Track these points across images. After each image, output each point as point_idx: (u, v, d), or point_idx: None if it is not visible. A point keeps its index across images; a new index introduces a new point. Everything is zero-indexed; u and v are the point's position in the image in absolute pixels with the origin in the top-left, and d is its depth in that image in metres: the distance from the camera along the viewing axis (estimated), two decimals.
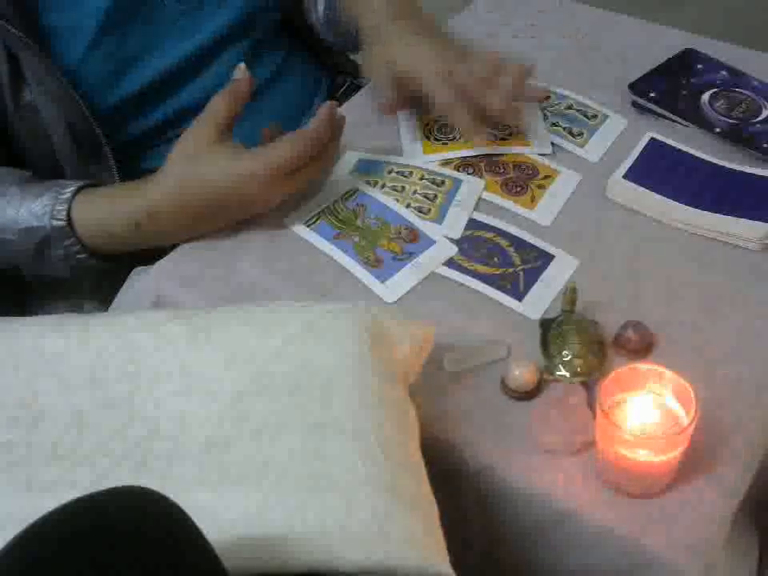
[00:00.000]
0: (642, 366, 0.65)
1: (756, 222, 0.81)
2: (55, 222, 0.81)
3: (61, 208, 0.81)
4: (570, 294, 0.73)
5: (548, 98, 0.98)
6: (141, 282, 0.83)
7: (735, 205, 0.83)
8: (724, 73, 1.00)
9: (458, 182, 0.89)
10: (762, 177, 0.87)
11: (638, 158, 0.89)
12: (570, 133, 0.95)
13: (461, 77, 0.87)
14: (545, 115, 0.96)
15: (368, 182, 0.89)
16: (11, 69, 0.83)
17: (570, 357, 0.71)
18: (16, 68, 0.83)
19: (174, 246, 0.84)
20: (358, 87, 1.06)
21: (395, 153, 0.93)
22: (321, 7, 1.07)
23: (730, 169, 0.88)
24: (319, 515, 0.55)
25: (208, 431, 0.60)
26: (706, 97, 0.96)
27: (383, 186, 0.89)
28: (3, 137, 0.88)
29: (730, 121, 0.93)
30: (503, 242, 0.83)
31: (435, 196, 0.88)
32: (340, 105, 0.99)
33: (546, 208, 0.87)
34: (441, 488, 0.61)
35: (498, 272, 0.80)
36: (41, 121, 0.86)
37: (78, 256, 0.83)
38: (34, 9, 0.83)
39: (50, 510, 0.46)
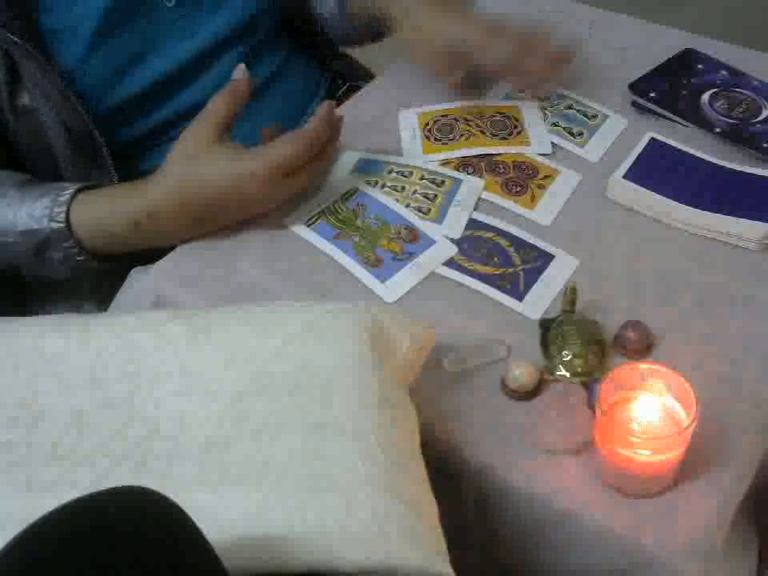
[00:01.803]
0: (642, 366, 0.65)
1: (756, 221, 0.81)
2: (54, 225, 0.81)
3: (59, 210, 0.81)
4: (570, 294, 0.73)
5: (548, 97, 0.99)
6: (140, 282, 0.83)
7: (735, 205, 0.83)
8: (724, 73, 1.00)
9: (457, 182, 0.89)
10: (762, 177, 0.86)
11: (637, 158, 0.89)
12: (570, 133, 0.95)
13: (502, 40, 0.91)
14: (545, 115, 0.96)
15: (368, 182, 0.89)
16: (9, 73, 0.83)
17: (570, 357, 0.71)
18: (14, 72, 0.83)
19: (173, 246, 0.84)
20: (358, 88, 1.06)
21: (395, 153, 0.93)
22: (332, 0, 1.07)
23: (730, 169, 0.88)
24: (319, 515, 0.55)
25: (208, 431, 0.60)
26: (705, 97, 0.96)
27: (383, 186, 0.89)
28: (3, 140, 0.88)
29: (730, 121, 0.93)
30: (503, 242, 0.83)
31: (435, 196, 0.88)
32: (340, 105, 0.99)
33: (545, 208, 0.87)
34: (441, 488, 0.61)
35: (497, 272, 0.80)
36: (39, 125, 0.86)
37: (78, 258, 0.83)
38: (32, 11, 0.83)
39: (50, 509, 0.46)
